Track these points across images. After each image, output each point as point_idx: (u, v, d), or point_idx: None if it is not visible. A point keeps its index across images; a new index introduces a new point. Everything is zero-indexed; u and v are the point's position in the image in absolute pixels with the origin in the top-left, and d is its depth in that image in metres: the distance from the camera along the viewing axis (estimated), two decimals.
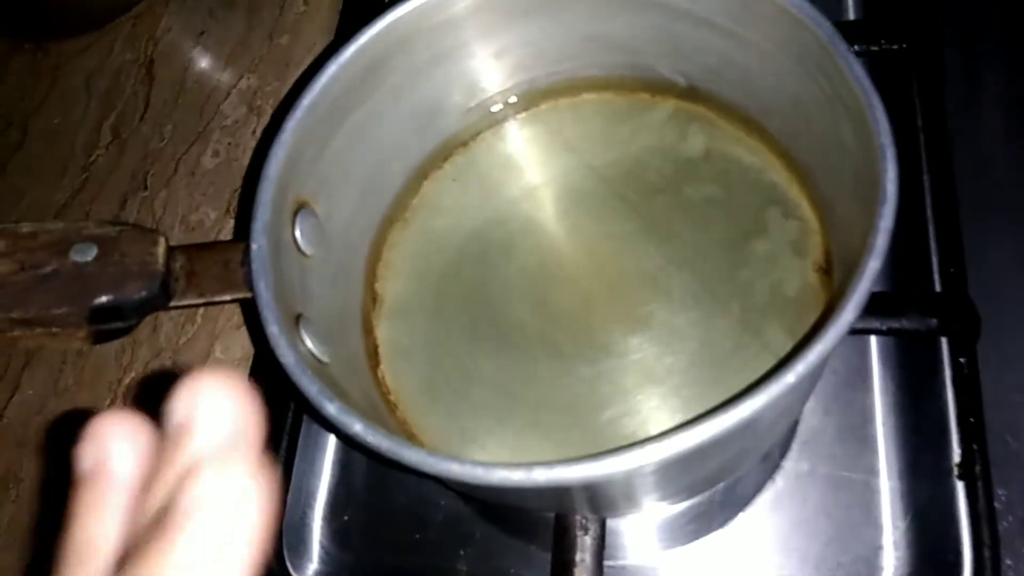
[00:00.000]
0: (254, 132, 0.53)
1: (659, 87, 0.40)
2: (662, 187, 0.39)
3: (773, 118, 0.37)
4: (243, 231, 0.47)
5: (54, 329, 0.27)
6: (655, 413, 0.34)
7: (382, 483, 0.40)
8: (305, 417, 0.41)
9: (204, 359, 0.46)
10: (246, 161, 0.52)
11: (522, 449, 0.35)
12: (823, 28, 0.30)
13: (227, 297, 0.30)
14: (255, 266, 0.29)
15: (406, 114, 0.38)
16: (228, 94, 0.55)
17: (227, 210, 0.51)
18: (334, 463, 0.41)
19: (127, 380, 0.46)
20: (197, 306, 0.29)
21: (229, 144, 0.53)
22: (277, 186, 0.31)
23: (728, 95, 0.38)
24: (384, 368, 0.37)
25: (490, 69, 0.39)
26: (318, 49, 0.55)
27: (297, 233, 0.33)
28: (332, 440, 0.41)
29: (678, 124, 0.39)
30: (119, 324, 0.28)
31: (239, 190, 0.51)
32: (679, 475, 0.31)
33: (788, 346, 0.34)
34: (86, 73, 0.58)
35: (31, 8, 0.58)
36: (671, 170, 0.39)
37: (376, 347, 0.37)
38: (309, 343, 0.31)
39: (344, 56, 0.33)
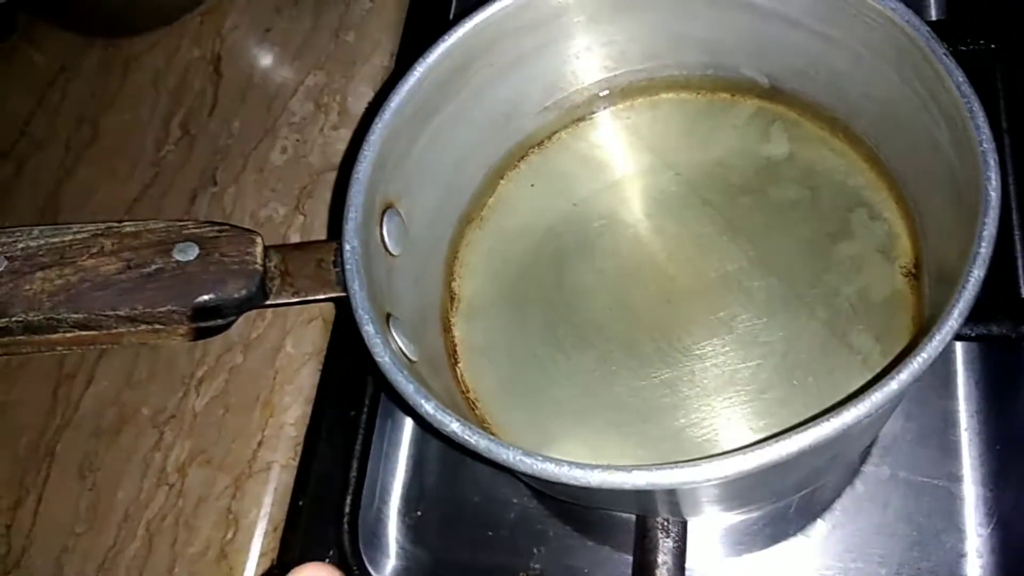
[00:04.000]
0: (321, 129, 0.53)
1: (740, 87, 0.39)
2: (744, 188, 0.38)
3: (861, 119, 0.36)
4: (333, 229, 0.47)
5: (157, 326, 0.27)
6: (737, 417, 0.34)
7: (455, 480, 0.41)
8: (380, 413, 0.42)
9: (274, 355, 0.47)
10: (314, 158, 0.52)
11: (600, 450, 0.35)
12: (921, 32, 0.30)
13: (320, 296, 0.30)
14: (348, 266, 0.30)
15: (486, 114, 0.38)
16: (295, 91, 0.55)
17: (296, 206, 0.51)
18: (408, 459, 0.41)
19: (199, 374, 0.47)
20: (292, 304, 0.30)
21: (297, 141, 0.53)
22: (367, 188, 0.32)
23: (813, 95, 0.37)
24: (463, 366, 0.37)
25: (571, 69, 0.39)
26: (384, 47, 0.55)
27: (384, 233, 0.33)
28: (407, 436, 0.42)
29: (760, 124, 0.39)
30: (218, 321, 0.28)
31: (308, 187, 0.51)
32: (770, 481, 0.31)
33: (876, 351, 0.34)
34: (155, 70, 0.58)
35: (101, 5, 0.59)
36: (753, 171, 0.38)
37: (455, 346, 0.38)
38: (399, 342, 0.31)
39: (431, 58, 0.33)
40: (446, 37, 0.34)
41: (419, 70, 0.33)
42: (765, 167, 0.38)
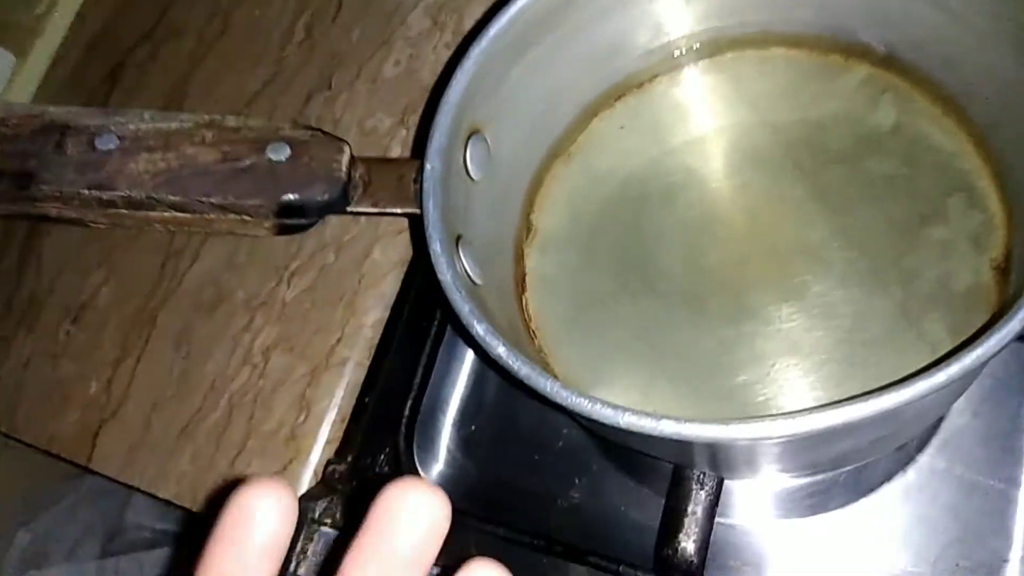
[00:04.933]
0: (435, 47, 0.54)
1: (855, 51, 0.38)
2: (841, 156, 0.37)
3: (975, 101, 0.34)
4: (419, 147, 0.49)
5: (245, 217, 0.29)
6: (791, 385, 0.34)
7: (511, 401, 0.42)
8: (449, 327, 0.44)
9: (363, 259, 0.49)
10: (424, 74, 0.53)
11: (651, 397, 0.35)
12: None
13: (397, 210, 0.31)
14: (426, 185, 0.31)
15: (585, 51, 0.38)
16: (416, 5, 0.56)
17: (401, 120, 0.53)
18: (469, 375, 0.43)
19: (293, 267, 0.50)
20: (370, 214, 0.31)
21: (410, 56, 0.55)
22: (455, 111, 0.32)
23: (929, 69, 0.36)
24: (529, 296, 0.38)
25: (679, 13, 0.38)
26: None
27: (468, 158, 0.34)
28: (470, 354, 0.43)
29: (870, 92, 0.38)
30: (301, 221, 0.30)
31: (415, 102, 0.53)
32: (805, 452, 0.31)
33: (946, 342, 0.33)
34: None
35: None
36: (854, 140, 0.37)
37: (524, 275, 0.39)
38: (466, 263, 0.32)
39: None
40: None
41: (520, 2, 0.33)
42: (867, 137, 0.37)
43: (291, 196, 0.29)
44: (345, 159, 0.31)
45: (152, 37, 0.62)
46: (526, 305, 0.38)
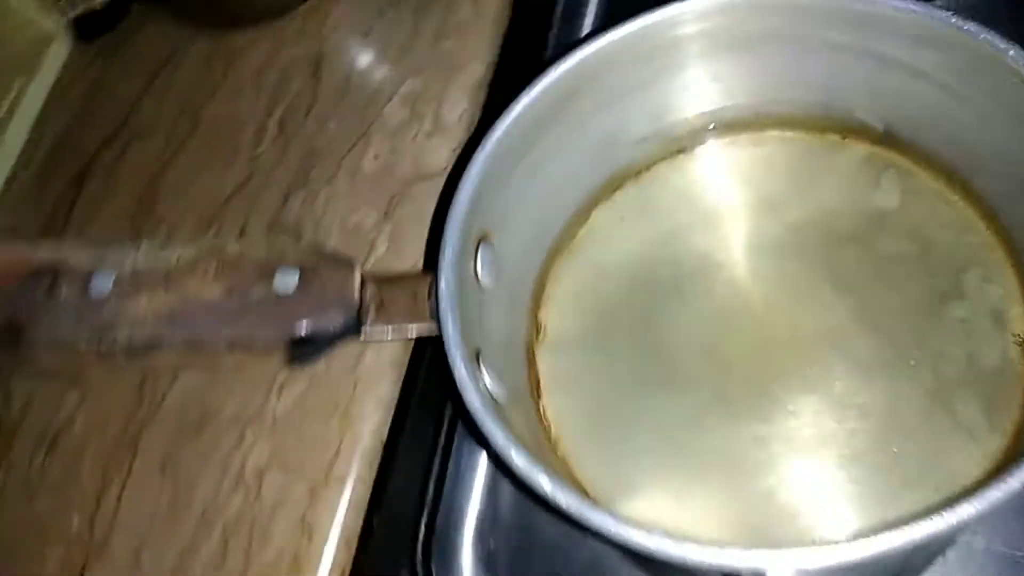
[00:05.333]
0: (414, 138, 0.53)
1: (852, 129, 0.38)
2: (850, 237, 0.37)
3: (982, 176, 0.34)
4: (430, 260, 0.47)
5: (253, 350, 0.27)
6: (829, 481, 0.33)
7: (529, 511, 0.40)
8: (457, 433, 0.42)
9: (355, 364, 0.47)
10: (406, 166, 0.52)
11: (687, 503, 0.34)
12: None
13: (414, 329, 0.30)
14: (443, 303, 0.29)
15: (585, 144, 0.37)
16: (391, 96, 0.55)
17: (385, 214, 0.51)
18: (484, 484, 0.41)
19: (281, 378, 0.47)
20: (385, 340, 0.30)
21: (390, 148, 0.53)
22: (464, 221, 0.31)
23: (932, 146, 0.36)
24: (546, 402, 0.37)
25: (676, 101, 0.38)
26: (482, 56, 0.55)
27: (478, 266, 0.33)
28: (483, 460, 0.41)
29: (871, 171, 0.37)
30: (313, 351, 0.28)
31: (398, 195, 0.51)
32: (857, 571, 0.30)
33: (982, 425, 0.32)
34: (256, 66, 0.59)
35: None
36: (860, 219, 0.37)
37: (538, 379, 0.37)
38: (487, 380, 0.31)
39: (536, 90, 0.33)
40: (552, 69, 0.33)
41: (524, 101, 0.33)
42: (873, 216, 0.37)
43: (303, 328, 0.28)
44: (356, 282, 0.29)
45: (118, 138, 0.60)
46: (543, 410, 0.36)
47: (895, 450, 0.33)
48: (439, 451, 0.41)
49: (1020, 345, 0.33)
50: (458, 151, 0.52)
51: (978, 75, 0.30)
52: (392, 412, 0.45)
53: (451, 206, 0.31)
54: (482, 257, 0.33)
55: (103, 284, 0.26)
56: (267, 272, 0.28)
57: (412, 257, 0.49)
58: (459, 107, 0.54)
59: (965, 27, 0.29)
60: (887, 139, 0.37)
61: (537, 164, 0.35)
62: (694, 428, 0.35)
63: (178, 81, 0.61)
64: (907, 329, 0.34)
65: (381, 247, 0.50)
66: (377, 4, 0.59)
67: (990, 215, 0.35)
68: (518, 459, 0.26)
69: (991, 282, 0.34)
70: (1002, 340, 0.33)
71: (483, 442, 0.28)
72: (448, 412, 0.41)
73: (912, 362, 0.34)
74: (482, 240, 0.33)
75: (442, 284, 0.30)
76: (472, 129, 0.52)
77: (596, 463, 0.35)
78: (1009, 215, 0.34)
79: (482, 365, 0.31)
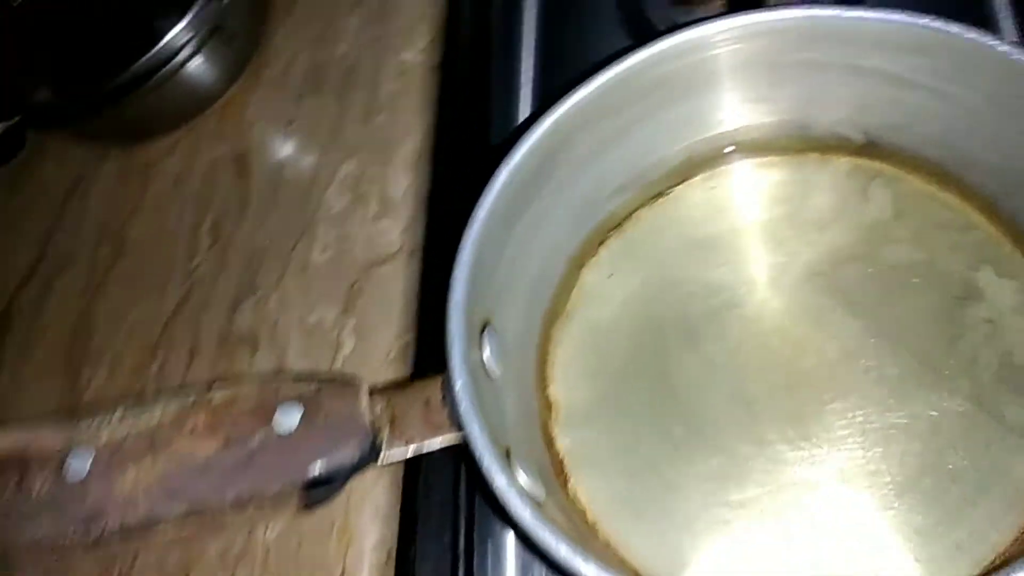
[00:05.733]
0: (362, 222, 0.50)
1: (830, 146, 0.37)
2: (852, 254, 0.35)
3: (974, 171, 0.34)
4: (422, 362, 0.43)
5: (264, 507, 0.24)
6: (892, 517, 0.31)
7: None
8: (477, 533, 0.38)
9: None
10: (359, 253, 0.49)
11: (745, 562, 0.31)
12: None
13: (436, 442, 0.27)
14: (463, 407, 0.26)
15: (567, 206, 0.35)
16: (329, 183, 0.52)
17: (345, 308, 0.48)
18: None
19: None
20: (406, 459, 0.26)
21: (337, 236, 0.50)
22: (466, 310, 0.29)
23: (916, 149, 0.35)
24: (574, 483, 0.34)
25: (649, 146, 0.36)
26: (417, 128, 0.52)
27: (484, 356, 0.30)
28: (511, 559, 0.38)
29: (857, 183, 0.36)
30: (330, 490, 0.25)
31: (357, 285, 0.48)
32: None
33: None
34: (175, 175, 0.55)
35: (113, 114, 0.56)
36: (858, 234, 0.36)
37: (561, 461, 0.34)
38: (523, 479, 0.28)
39: (514, 160, 0.31)
40: (527, 136, 0.31)
41: (503, 174, 0.31)
42: (871, 229, 0.36)
43: (317, 470, 0.24)
44: (364, 402, 0.26)
45: (36, 275, 0.55)
46: (574, 494, 0.34)
47: (950, 466, 0.31)
48: (461, 557, 0.37)
49: None
50: (410, 229, 0.49)
51: (965, 73, 0.29)
52: (396, 521, 0.41)
53: (449, 299, 0.28)
54: (488, 344, 0.30)
55: (80, 465, 0.22)
56: (264, 413, 0.24)
57: (383, 349, 0.46)
58: (403, 183, 0.51)
59: (950, 29, 0.28)
60: (868, 149, 0.36)
61: (526, 235, 0.33)
62: (736, 483, 0.32)
63: (92, 206, 0.56)
64: (933, 339, 0.33)
65: (348, 344, 0.47)
66: (295, 91, 0.56)
67: (989, 210, 0.34)
68: (588, 571, 0.23)
69: (1006, 276, 0.33)
70: None
71: (535, 549, 0.25)
72: (464, 511, 0.38)
73: (946, 372, 0.32)
74: (485, 327, 0.30)
75: (457, 385, 0.27)
76: (421, 204, 0.50)
77: (642, 542, 0.32)
78: (1011, 206, 0.33)
79: (514, 464, 0.28)
